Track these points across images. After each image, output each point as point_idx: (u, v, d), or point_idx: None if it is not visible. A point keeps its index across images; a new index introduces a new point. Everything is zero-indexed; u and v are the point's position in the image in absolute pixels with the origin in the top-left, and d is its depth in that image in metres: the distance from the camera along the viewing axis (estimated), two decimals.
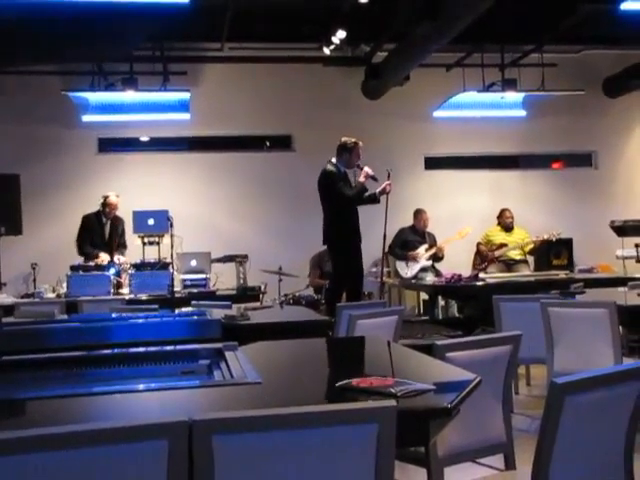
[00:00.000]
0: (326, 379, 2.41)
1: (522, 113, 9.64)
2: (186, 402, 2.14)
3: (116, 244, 8.24)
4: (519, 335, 3.05)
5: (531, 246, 9.13)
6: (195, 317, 4.40)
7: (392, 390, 2.00)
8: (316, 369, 2.54)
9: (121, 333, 3.97)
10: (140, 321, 4.28)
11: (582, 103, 10.16)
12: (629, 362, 4.25)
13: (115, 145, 10.07)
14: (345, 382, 2.12)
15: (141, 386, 2.37)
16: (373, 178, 6.87)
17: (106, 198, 8.20)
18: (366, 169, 6.86)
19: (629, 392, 2.12)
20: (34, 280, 8.48)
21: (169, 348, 3.00)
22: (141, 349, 3.00)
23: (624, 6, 6.15)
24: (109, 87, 8.66)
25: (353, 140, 6.97)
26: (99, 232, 8.22)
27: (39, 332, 3.96)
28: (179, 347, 3.01)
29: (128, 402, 2.17)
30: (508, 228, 9.35)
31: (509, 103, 9.35)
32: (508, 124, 10.26)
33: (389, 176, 6.95)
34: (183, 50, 9.48)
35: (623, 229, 8.89)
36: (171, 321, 4.29)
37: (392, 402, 1.75)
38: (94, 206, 8.34)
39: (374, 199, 6.97)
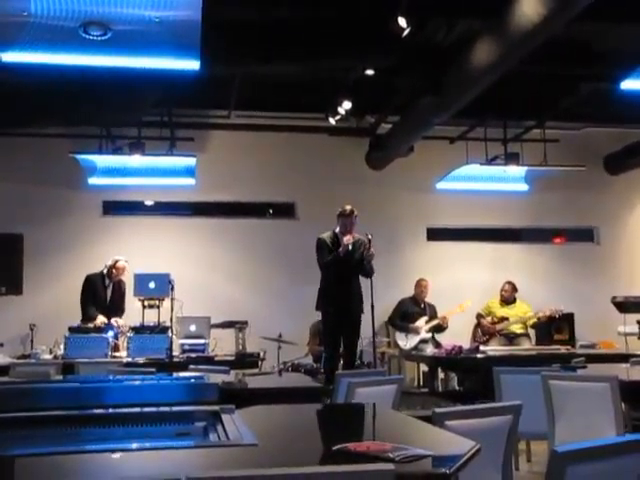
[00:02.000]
0: (323, 443, 2.36)
1: (524, 187, 9.70)
2: (180, 462, 2.09)
3: (114, 307, 8.20)
4: (519, 405, 3.01)
5: (534, 320, 9.06)
6: (192, 380, 4.35)
7: (390, 455, 1.96)
8: (313, 433, 2.49)
9: (116, 395, 3.91)
10: (136, 383, 4.22)
11: (584, 179, 10.25)
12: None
13: (120, 208, 10.13)
14: (342, 446, 2.08)
15: (134, 445, 2.32)
16: (347, 248, 6.88)
17: (116, 262, 8.19)
18: (344, 240, 6.89)
19: (633, 464, 2.08)
20: (31, 341, 8.42)
21: (164, 409, 2.95)
22: (136, 409, 2.95)
23: (624, 85, 6.25)
24: (116, 151, 8.76)
25: (342, 208, 7.04)
26: (101, 294, 8.21)
27: (32, 391, 3.90)
28: (175, 408, 2.96)
29: (121, 461, 2.12)
30: (507, 301, 9.29)
31: (512, 177, 9.41)
32: (510, 197, 10.33)
33: (370, 242, 6.95)
34: (191, 117, 9.63)
35: (625, 305, 8.85)
36: (168, 384, 4.23)
37: (390, 466, 1.71)
38: (95, 269, 8.33)
39: (368, 270, 6.99)
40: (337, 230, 7.06)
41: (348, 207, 7.03)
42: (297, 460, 2.10)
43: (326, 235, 7.08)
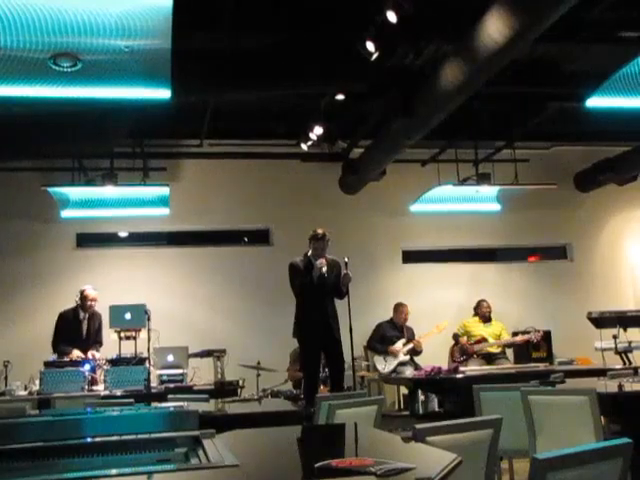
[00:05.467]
0: (304, 461, 2.35)
1: (497, 207, 9.78)
2: None
3: (92, 340, 8.10)
4: (500, 419, 3.01)
5: (508, 341, 9.07)
6: (172, 409, 4.31)
7: (372, 469, 1.95)
8: (294, 453, 2.48)
9: (94, 426, 3.86)
10: (114, 414, 4.17)
11: (555, 197, 10.39)
12: None
13: (93, 240, 10.06)
14: (324, 463, 2.07)
15: (114, 471, 2.29)
16: (321, 272, 6.83)
17: (83, 292, 8.10)
18: (317, 264, 6.83)
19: (612, 470, 2.09)
20: (6, 378, 8.27)
21: (144, 436, 2.92)
22: (114, 438, 2.91)
23: (589, 102, 6.34)
24: (89, 182, 8.72)
25: (314, 232, 6.93)
26: (76, 328, 8.08)
27: (6, 427, 3.84)
28: (154, 435, 2.92)
29: None
30: (486, 319, 9.32)
31: (484, 197, 9.49)
32: (484, 217, 10.42)
33: (346, 265, 6.90)
34: (163, 146, 9.64)
35: (600, 321, 8.90)
36: (146, 413, 4.18)
37: (372, 478, 1.71)
38: (70, 302, 8.23)
39: (344, 292, 6.95)
40: (309, 253, 6.94)
41: (320, 230, 6.91)
42: (280, 478, 2.08)
43: (299, 259, 6.95)
